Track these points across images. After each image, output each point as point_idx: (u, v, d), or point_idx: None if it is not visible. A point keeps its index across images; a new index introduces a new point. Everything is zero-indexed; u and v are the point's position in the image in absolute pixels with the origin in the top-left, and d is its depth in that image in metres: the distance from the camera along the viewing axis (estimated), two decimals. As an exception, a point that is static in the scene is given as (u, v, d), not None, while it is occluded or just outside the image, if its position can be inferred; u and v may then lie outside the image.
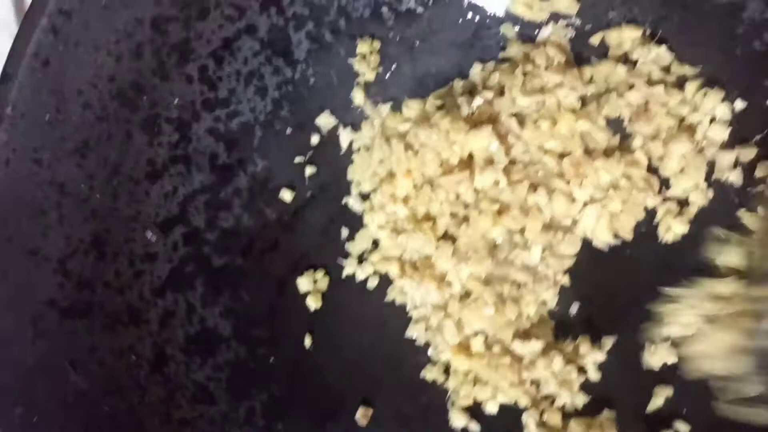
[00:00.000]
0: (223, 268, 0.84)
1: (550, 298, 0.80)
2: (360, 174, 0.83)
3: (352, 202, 0.84)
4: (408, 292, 0.82)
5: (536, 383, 0.79)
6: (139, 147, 0.79)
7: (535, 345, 0.78)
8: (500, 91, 0.79)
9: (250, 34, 0.82)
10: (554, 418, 0.78)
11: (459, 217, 0.80)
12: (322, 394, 0.83)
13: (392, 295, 0.83)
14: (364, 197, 0.84)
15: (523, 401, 0.79)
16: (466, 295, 0.80)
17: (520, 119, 0.78)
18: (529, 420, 0.79)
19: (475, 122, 0.80)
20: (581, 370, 0.79)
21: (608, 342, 0.79)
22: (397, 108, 0.84)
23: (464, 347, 0.80)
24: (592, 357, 0.79)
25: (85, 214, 0.76)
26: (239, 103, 0.83)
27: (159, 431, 0.78)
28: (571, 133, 0.77)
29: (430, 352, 0.83)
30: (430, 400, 0.82)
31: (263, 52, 0.83)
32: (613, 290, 0.81)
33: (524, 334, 0.79)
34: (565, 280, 0.81)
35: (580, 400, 0.78)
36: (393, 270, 0.82)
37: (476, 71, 0.83)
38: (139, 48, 0.77)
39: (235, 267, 0.84)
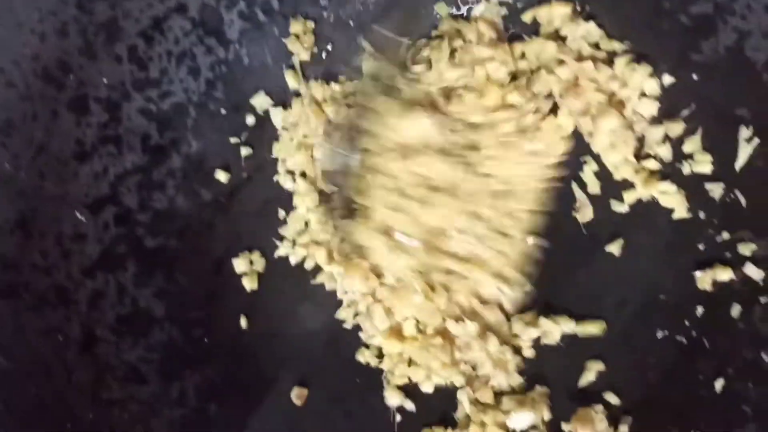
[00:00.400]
0: (156, 249, 0.83)
1: (487, 283, 0.79)
2: (285, 151, 0.83)
3: (282, 180, 0.84)
4: (336, 278, 0.81)
5: (471, 364, 0.79)
6: (66, 127, 0.79)
7: (470, 327, 0.77)
8: (429, 66, 0.79)
9: (180, 13, 0.81)
10: (487, 396, 0.77)
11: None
12: (257, 375, 0.83)
13: (321, 279, 0.82)
14: (292, 174, 0.84)
15: (458, 381, 0.78)
16: (396, 282, 0.80)
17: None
18: (463, 397, 0.78)
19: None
20: (516, 351, 0.78)
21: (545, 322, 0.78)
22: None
23: (396, 331, 0.79)
24: (527, 334, 0.78)
25: (10, 194, 0.76)
26: (171, 83, 0.83)
27: (87, 412, 0.77)
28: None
29: (361, 335, 0.82)
30: (366, 380, 0.82)
31: (194, 32, 0.82)
32: (552, 270, 0.80)
33: (458, 318, 0.79)
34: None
35: (515, 380, 0.77)
36: (320, 257, 0.81)
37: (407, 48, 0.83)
38: (64, 27, 0.77)
39: (169, 248, 0.83)
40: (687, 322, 0.76)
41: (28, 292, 0.76)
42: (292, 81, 0.84)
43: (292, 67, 0.84)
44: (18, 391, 0.74)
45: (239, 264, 0.83)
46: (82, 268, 0.80)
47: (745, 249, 0.73)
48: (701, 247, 0.76)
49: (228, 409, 0.82)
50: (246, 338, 0.83)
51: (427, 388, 0.79)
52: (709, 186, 0.76)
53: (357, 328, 0.83)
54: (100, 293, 0.80)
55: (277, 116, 0.84)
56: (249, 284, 0.83)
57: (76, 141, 0.79)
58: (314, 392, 0.82)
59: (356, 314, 0.82)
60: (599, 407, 0.74)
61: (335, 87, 0.83)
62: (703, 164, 0.76)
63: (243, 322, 0.83)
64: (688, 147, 0.77)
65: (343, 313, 0.82)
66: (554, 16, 0.80)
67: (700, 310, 0.75)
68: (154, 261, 0.83)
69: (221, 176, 0.84)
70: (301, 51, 0.84)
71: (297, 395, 0.82)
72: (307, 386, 0.82)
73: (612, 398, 0.76)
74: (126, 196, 0.82)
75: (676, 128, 0.77)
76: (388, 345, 0.79)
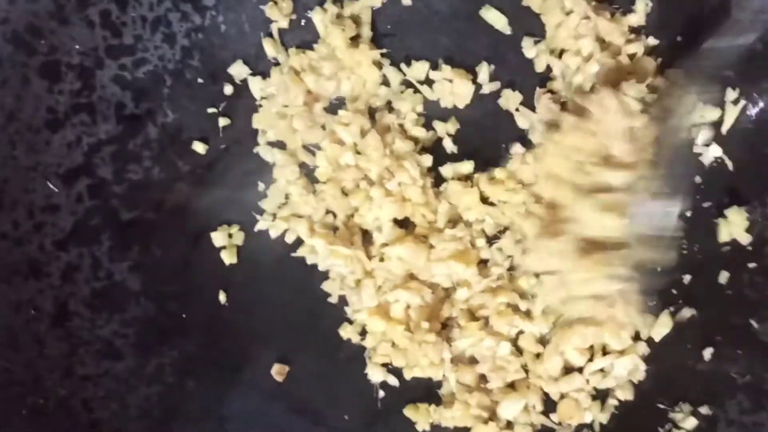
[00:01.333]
0: (132, 222, 0.81)
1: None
2: (265, 122, 0.81)
3: (263, 153, 0.82)
4: (318, 251, 0.79)
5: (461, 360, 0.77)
6: (37, 94, 0.77)
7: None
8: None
9: (154, -23, 0.79)
10: (470, 378, 0.76)
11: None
12: (236, 351, 0.81)
13: (302, 252, 0.80)
14: (272, 145, 0.82)
15: (439, 376, 0.76)
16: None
17: None
18: (449, 375, 0.77)
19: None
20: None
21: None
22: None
23: (383, 310, 0.77)
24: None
25: (-20, 162, 0.73)
26: (146, 50, 0.80)
27: (59, 386, 0.76)
28: None
29: (347, 309, 0.80)
30: (348, 356, 0.80)
31: (169, -3, 0.80)
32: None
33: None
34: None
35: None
36: (302, 230, 0.79)
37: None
38: (34, -11, 0.74)
39: (145, 221, 0.81)
40: (674, 291, 0.74)
41: (-1, 263, 0.74)
42: (270, 49, 0.82)
43: (270, 34, 0.82)
44: (-13, 364, 0.72)
45: (218, 238, 0.81)
46: (54, 240, 0.78)
47: (733, 214, 0.72)
48: (687, 213, 0.74)
49: (206, 386, 0.81)
50: (225, 313, 0.81)
51: (407, 374, 0.77)
52: (698, 150, 0.74)
53: (341, 302, 0.80)
54: (74, 266, 0.78)
55: (256, 86, 0.82)
56: (228, 258, 0.81)
57: (48, 109, 0.77)
58: (295, 368, 0.80)
59: (342, 287, 0.79)
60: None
61: (313, 55, 0.81)
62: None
63: (222, 297, 0.81)
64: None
65: (328, 286, 0.79)
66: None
67: (687, 277, 0.73)
68: (130, 234, 0.81)
69: (199, 147, 0.82)
70: (279, 18, 0.82)
71: (277, 371, 0.80)
72: (287, 362, 0.80)
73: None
74: (100, 167, 0.80)
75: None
76: (372, 323, 0.77)
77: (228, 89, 0.83)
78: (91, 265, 0.79)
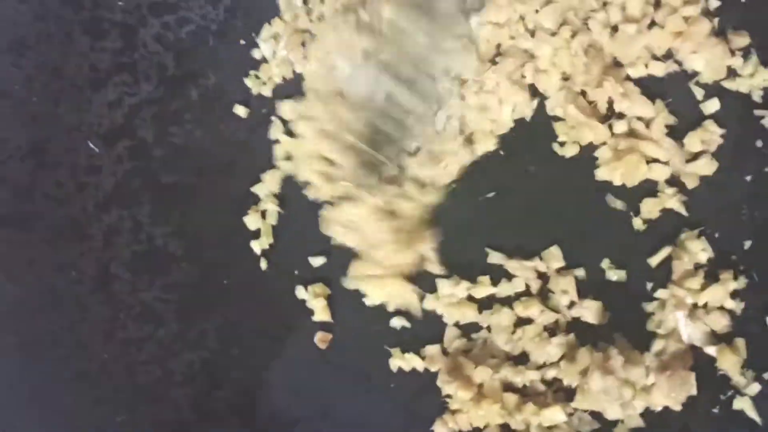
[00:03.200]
0: (173, 185, 0.79)
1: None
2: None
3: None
4: None
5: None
6: (81, 51, 0.75)
7: None
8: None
9: (199, -65, 0.78)
10: None
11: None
12: (279, 319, 0.79)
13: None
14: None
15: None
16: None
17: None
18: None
19: None
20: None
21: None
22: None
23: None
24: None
25: (23, 119, 0.72)
26: (189, 9, 0.79)
27: (102, 350, 0.74)
28: None
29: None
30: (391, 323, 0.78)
31: (214, -45, 0.79)
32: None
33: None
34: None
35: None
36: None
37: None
38: (79, -56, 0.73)
39: (186, 185, 0.80)
40: (734, 257, 0.72)
41: (42, 223, 0.72)
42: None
43: (315, -5, 0.80)
44: (31, 323, 0.70)
45: (251, 221, 0.79)
46: (96, 201, 0.76)
47: (798, 177, 0.70)
48: (747, 178, 0.73)
49: (249, 353, 0.78)
50: (267, 280, 0.79)
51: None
52: (759, 112, 0.72)
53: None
54: (115, 229, 0.77)
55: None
56: (261, 244, 0.78)
57: (90, 67, 0.75)
58: (339, 335, 0.78)
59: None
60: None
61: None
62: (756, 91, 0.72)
63: (263, 264, 0.79)
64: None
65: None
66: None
67: (748, 243, 0.72)
68: (171, 198, 0.79)
69: (240, 111, 0.80)
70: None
71: (320, 339, 0.78)
72: (330, 330, 0.78)
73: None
74: (141, 128, 0.78)
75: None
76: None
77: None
78: (131, 228, 0.78)
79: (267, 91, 0.79)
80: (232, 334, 0.78)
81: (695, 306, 0.70)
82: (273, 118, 0.78)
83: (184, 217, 0.79)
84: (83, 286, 0.74)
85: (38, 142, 0.73)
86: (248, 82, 0.79)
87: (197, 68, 0.79)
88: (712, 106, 0.73)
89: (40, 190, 0.73)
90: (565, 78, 0.74)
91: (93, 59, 0.76)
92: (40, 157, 0.73)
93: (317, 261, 0.77)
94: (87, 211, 0.76)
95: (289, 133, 0.77)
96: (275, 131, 0.78)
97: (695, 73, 0.73)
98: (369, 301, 0.73)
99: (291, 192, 0.78)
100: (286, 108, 0.76)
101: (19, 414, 0.70)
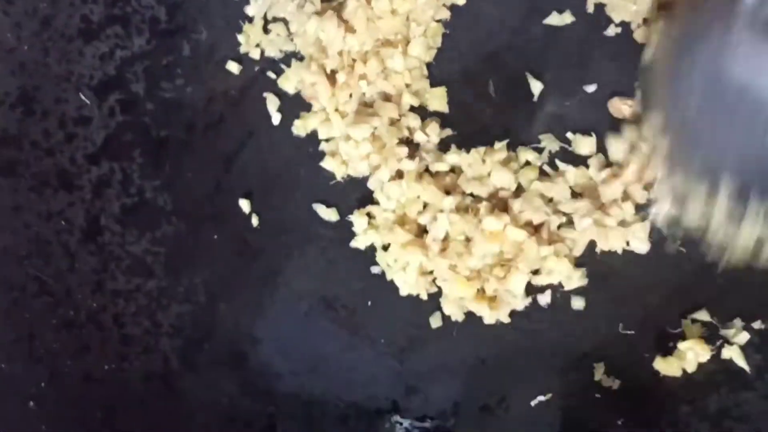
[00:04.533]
0: (164, 140, 0.79)
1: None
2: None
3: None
4: None
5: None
6: (72, 1, 0.74)
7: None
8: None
9: None
10: None
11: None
12: (268, 275, 0.79)
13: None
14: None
15: None
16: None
17: None
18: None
19: None
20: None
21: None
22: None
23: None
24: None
25: (12, 66, 0.72)
26: (181, -39, 0.78)
27: (90, 300, 0.73)
28: None
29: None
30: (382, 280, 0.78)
31: None
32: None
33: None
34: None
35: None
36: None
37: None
38: None
39: (177, 140, 0.79)
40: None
41: (29, 172, 0.72)
42: (310, -34, 0.80)
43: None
44: (18, 271, 0.70)
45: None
46: (86, 153, 0.76)
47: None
48: None
49: (238, 307, 0.78)
50: (258, 236, 0.79)
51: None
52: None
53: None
54: (105, 181, 0.77)
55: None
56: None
57: (81, 17, 0.75)
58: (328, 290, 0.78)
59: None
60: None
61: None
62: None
63: (254, 220, 0.79)
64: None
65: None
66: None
67: None
68: (161, 152, 0.79)
69: (233, 67, 0.80)
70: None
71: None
72: (321, 285, 0.78)
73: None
74: (133, 82, 0.78)
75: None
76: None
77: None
78: (121, 180, 0.77)
79: (255, 54, 0.79)
80: (220, 289, 0.78)
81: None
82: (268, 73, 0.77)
83: (174, 172, 0.79)
84: (72, 236, 0.74)
85: (27, 91, 0.73)
86: (240, 38, 0.79)
87: (189, 22, 0.79)
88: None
89: (27, 138, 0.73)
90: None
91: (85, 10, 0.75)
92: (29, 105, 0.73)
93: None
94: (76, 162, 0.75)
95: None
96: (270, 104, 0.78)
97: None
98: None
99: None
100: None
101: (3, 356, 0.70)
